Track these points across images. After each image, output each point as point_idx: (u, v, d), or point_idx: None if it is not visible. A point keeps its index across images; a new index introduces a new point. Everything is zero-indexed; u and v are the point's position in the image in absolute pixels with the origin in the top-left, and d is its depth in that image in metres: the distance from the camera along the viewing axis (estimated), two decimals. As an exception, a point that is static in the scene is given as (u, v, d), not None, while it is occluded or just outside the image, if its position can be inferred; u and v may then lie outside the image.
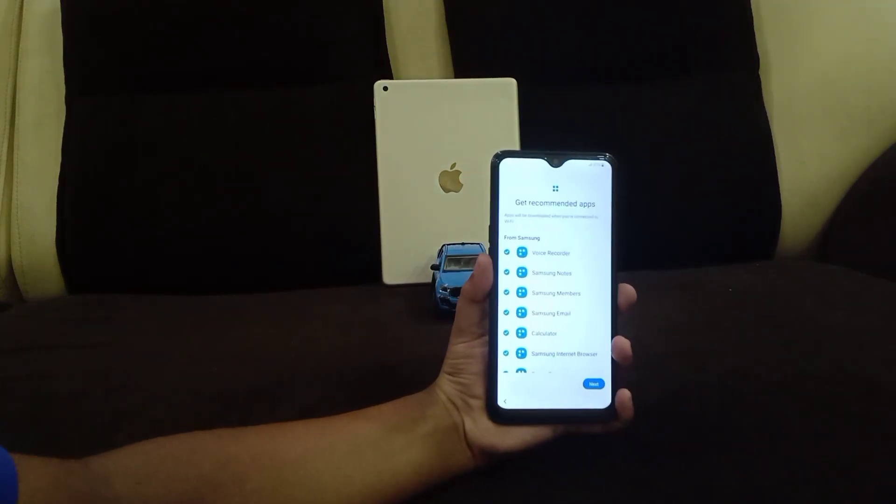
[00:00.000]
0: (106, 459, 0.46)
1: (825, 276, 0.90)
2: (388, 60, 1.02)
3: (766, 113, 1.03)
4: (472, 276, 0.51)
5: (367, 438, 0.51)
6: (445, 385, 0.53)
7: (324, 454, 0.50)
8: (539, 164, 0.52)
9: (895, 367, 0.64)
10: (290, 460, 0.49)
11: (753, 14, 1.04)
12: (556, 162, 0.52)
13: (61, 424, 0.59)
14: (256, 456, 0.49)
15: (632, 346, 0.50)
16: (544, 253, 0.52)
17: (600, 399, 0.51)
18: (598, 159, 0.52)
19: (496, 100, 0.95)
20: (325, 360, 0.67)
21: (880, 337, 0.70)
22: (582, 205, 0.52)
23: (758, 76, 1.04)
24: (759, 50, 1.04)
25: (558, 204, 0.52)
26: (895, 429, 0.57)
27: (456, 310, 0.53)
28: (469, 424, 0.51)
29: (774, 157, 1.03)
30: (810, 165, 1.04)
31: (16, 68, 1.02)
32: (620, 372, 0.51)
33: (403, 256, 0.91)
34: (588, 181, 0.52)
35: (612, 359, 0.51)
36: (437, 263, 0.83)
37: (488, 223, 0.52)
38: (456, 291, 0.76)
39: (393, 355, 0.68)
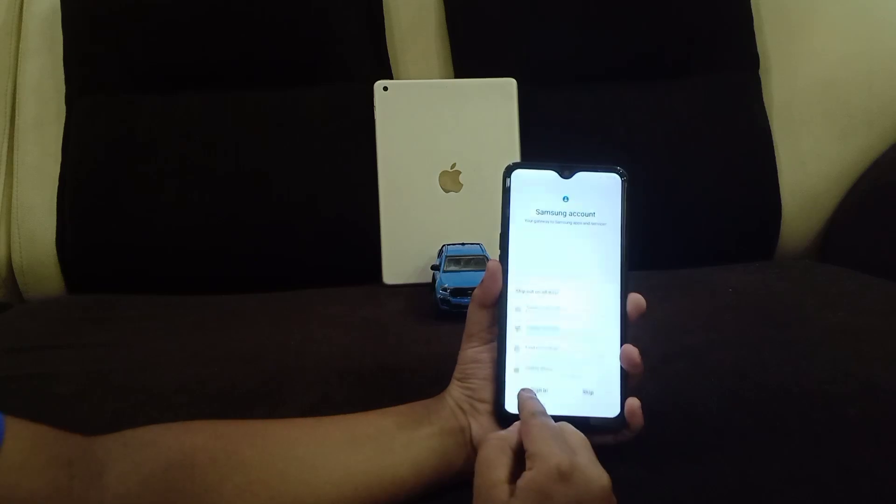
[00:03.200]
0: (111, 435, 0.48)
1: (825, 276, 0.90)
2: (388, 60, 1.02)
3: (766, 113, 1.03)
4: (481, 282, 0.52)
5: (365, 433, 0.51)
6: (454, 390, 0.53)
7: (319, 439, 0.50)
8: (550, 176, 0.53)
9: (895, 367, 0.64)
10: (283, 440, 0.50)
11: (753, 14, 1.04)
12: (566, 173, 0.52)
13: (61, 424, 0.59)
14: (250, 435, 0.50)
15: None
16: (553, 261, 0.52)
17: (609, 408, 0.51)
18: (608, 172, 0.53)
19: (496, 100, 0.95)
20: (325, 360, 0.67)
21: (880, 337, 0.70)
22: (591, 216, 0.52)
23: (758, 76, 1.04)
24: (759, 50, 1.04)
25: (568, 214, 0.52)
26: (895, 429, 0.57)
27: (466, 315, 0.53)
28: (476, 428, 0.51)
29: (774, 157, 1.03)
30: (810, 165, 1.04)
31: (16, 68, 1.02)
32: (629, 381, 0.51)
33: (403, 256, 0.91)
34: (598, 193, 0.52)
35: (621, 367, 0.51)
36: (437, 263, 0.83)
37: (499, 231, 0.52)
38: (456, 292, 0.76)
39: (393, 355, 0.68)
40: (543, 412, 0.48)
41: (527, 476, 0.44)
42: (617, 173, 0.52)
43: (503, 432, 0.48)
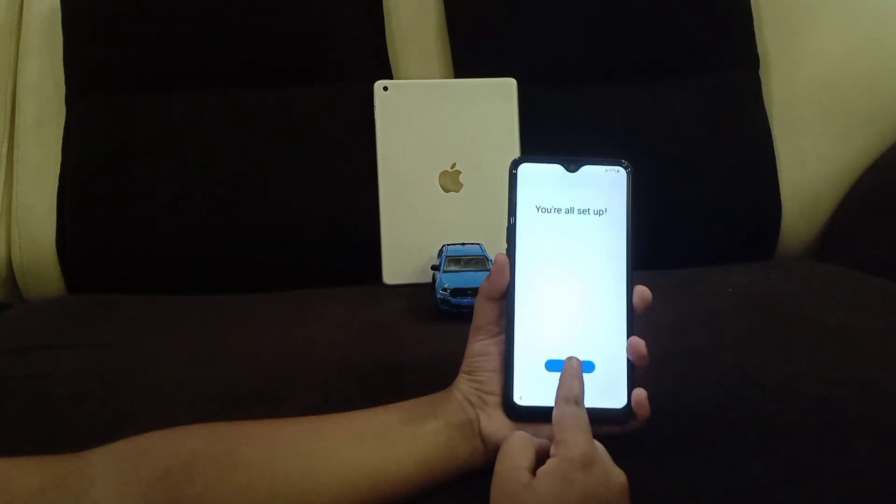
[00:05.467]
0: (100, 448, 0.47)
1: (825, 276, 0.90)
2: (388, 60, 1.02)
3: (766, 113, 1.03)
4: (489, 275, 0.52)
5: (369, 428, 0.51)
6: (462, 384, 0.53)
7: (320, 435, 0.50)
8: (555, 169, 0.53)
9: (894, 367, 0.64)
10: (283, 439, 0.50)
11: (753, 14, 1.04)
12: (572, 167, 0.53)
13: (61, 424, 0.59)
14: (251, 434, 0.50)
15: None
16: (560, 254, 0.53)
17: (616, 399, 0.51)
18: (614, 165, 0.53)
19: (496, 100, 0.95)
20: (325, 360, 0.67)
21: (880, 337, 0.70)
22: (597, 209, 0.53)
23: (758, 76, 1.04)
24: (759, 50, 1.04)
25: (574, 207, 0.53)
26: (894, 429, 0.57)
27: (474, 308, 0.53)
28: (484, 420, 0.51)
29: (774, 157, 1.03)
30: (810, 165, 1.04)
31: (16, 68, 1.02)
32: (636, 372, 0.51)
33: (403, 256, 0.91)
34: (604, 186, 0.53)
35: (627, 359, 0.51)
36: (437, 263, 0.83)
37: (500, 228, 0.53)
38: (456, 292, 0.76)
39: (393, 355, 0.68)
40: (579, 400, 0.49)
41: (551, 462, 0.46)
42: (622, 166, 0.53)
43: (529, 431, 0.50)
